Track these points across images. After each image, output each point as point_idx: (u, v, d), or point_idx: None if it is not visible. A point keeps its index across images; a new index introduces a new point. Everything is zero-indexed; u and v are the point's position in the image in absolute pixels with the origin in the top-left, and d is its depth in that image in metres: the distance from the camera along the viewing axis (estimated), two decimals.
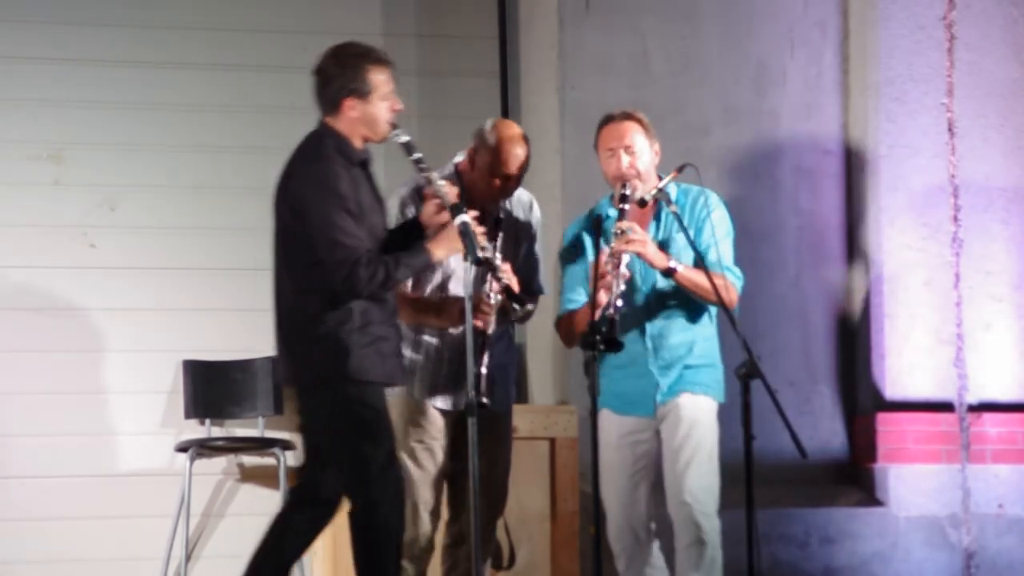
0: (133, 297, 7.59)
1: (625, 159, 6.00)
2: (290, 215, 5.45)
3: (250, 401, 7.64)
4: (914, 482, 7.60)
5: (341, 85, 5.48)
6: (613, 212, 5.98)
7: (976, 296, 7.74)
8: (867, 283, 7.73)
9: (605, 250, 5.86)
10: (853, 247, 7.80)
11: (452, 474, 5.97)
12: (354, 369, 5.39)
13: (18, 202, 7.54)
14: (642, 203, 5.93)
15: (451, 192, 5.63)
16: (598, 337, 5.59)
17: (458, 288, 5.85)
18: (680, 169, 6.05)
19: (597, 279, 5.81)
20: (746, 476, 5.57)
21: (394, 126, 5.54)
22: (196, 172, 7.68)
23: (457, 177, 5.88)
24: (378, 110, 5.51)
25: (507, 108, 7.93)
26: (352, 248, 5.35)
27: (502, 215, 5.98)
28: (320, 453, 5.49)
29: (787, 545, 7.42)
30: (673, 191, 6.06)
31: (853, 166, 7.82)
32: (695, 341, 5.98)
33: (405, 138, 5.57)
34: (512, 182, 5.93)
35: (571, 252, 6.18)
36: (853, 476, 7.73)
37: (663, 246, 5.96)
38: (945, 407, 7.68)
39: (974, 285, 7.74)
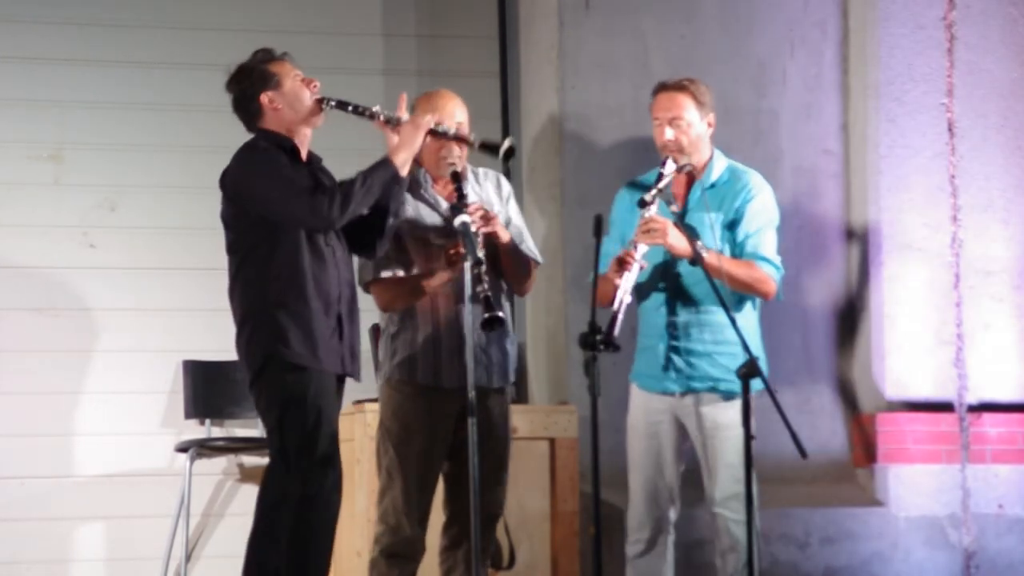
0: (133, 297, 7.58)
1: (669, 132, 5.99)
2: (227, 205, 5.55)
3: (250, 401, 7.57)
4: (914, 482, 7.60)
5: (250, 90, 5.59)
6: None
7: (976, 296, 7.74)
8: (867, 283, 7.73)
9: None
10: (853, 247, 7.80)
11: (449, 474, 5.96)
12: (292, 353, 5.43)
13: (18, 202, 7.54)
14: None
15: (400, 110, 5.66)
16: (598, 337, 5.59)
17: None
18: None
19: (620, 262, 5.83)
20: (746, 476, 5.57)
21: (320, 100, 5.60)
22: (196, 172, 7.66)
23: None
24: (296, 90, 5.59)
25: (507, 108, 7.92)
26: (301, 187, 5.43)
27: (459, 168, 5.85)
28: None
29: (787, 545, 7.41)
30: (722, 165, 6.06)
31: (853, 166, 7.82)
32: (716, 327, 5.96)
33: (335, 101, 5.62)
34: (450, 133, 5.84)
35: (611, 223, 6.15)
36: (853, 476, 7.73)
37: (690, 227, 5.92)
38: (945, 407, 7.68)
39: (974, 285, 7.74)
